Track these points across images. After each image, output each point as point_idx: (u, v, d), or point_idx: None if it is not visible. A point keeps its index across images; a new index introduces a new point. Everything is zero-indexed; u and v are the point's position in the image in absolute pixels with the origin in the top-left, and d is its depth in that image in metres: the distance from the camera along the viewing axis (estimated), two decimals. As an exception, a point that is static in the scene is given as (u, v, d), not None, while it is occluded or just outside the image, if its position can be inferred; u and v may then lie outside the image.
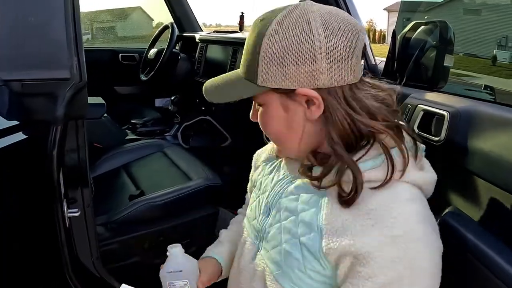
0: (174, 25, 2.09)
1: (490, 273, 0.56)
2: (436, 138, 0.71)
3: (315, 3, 0.52)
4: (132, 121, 2.21)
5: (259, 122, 0.58)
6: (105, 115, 1.75)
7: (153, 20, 3.20)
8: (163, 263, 0.69)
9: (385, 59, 1.06)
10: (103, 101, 1.68)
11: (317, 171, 0.54)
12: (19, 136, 0.86)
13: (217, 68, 1.90)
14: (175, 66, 2.10)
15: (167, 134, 2.15)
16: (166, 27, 2.16)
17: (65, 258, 1.00)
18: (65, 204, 0.94)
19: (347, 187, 0.50)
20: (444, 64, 0.88)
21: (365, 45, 0.53)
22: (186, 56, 2.16)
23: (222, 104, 1.22)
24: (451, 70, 0.94)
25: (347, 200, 0.50)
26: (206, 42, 2.07)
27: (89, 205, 1.04)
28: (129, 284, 0.92)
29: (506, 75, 1.45)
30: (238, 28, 2.23)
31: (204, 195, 1.37)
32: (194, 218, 1.36)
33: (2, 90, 0.85)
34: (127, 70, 2.36)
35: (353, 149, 0.52)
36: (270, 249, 0.58)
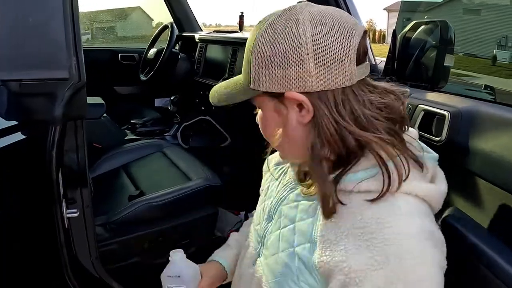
0: (174, 25, 2.09)
1: (491, 274, 0.56)
2: (437, 138, 0.71)
3: (312, 4, 0.50)
4: (132, 121, 2.21)
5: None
6: (105, 115, 1.75)
7: (153, 20, 3.20)
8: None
9: (385, 59, 1.06)
10: (103, 101, 1.68)
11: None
12: (18, 136, 0.86)
13: (216, 68, 1.90)
14: (174, 66, 2.10)
15: (166, 134, 2.15)
16: (165, 27, 2.16)
17: (64, 258, 1.00)
18: (64, 205, 0.94)
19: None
20: (445, 64, 0.88)
21: (365, 45, 0.51)
22: (186, 56, 2.16)
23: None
24: (451, 70, 0.94)
25: (323, 212, 0.49)
26: (206, 42, 2.06)
27: (88, 206, 1.03)
28: (129, 284, 0.92)
29: (506, 75, 1.45)
30: (238, 28, 2.23)
31: (204, 195, 1.37)
32: (194, 218, 1.36)
33: (0, 90, 0.85)
34: (127, 70, 2.36)
35: (344, 158, 0.49)
36: (268, 256, 0.58)
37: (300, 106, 0.49)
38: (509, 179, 0.58)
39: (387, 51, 1.02)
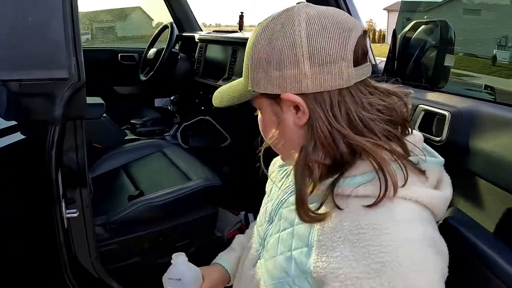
0: (174, 25, 2.09)
1: (491, 274, 0.56)
2: (437, 138, 0.71)
3: (311, 4, 0.50)
4: (132, 121, 2.21)
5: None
6: (105, 115, 1.75)
7: (152, 20, 3.20)
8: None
9: (385, 59, 1.06)
10: (103, 101, 1.68)
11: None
12: (17, 136, 0.86)
13: (216, 68, 1.89)
14: (174, 66, 2.10)
15: (166, 134, 2.15)
16: (165, 27, 2.16)
17: (64, 258, 0.99)
18: (63, 205, 0.94)
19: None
20: (445, 64, 0.88)
21: (365, 46, 0.50)
22: (186, 56, 2.16)
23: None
24: (451, 70, 0.94)
25: (298, 215, 0.49)
26: (206, 42, 2.06)
27: (88, 206, 1.03)
28: (129, 284, 0.92)
29: (506, 75, 1.45)
30: (237, 28, 2.23)
31: (204, 195, 1.37)
32: (194, 218, 1.36)
33: (0, 90, 0.85)
34: (127, 70, 2.36)
35: (339, 162, 0.48)
36: (268, 259, 0.57)
37: (297, 107, 0.49)
38: (509, 179, 0.58)
39: (387, 51, 1.02)
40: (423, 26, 0.95)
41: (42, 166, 0.90)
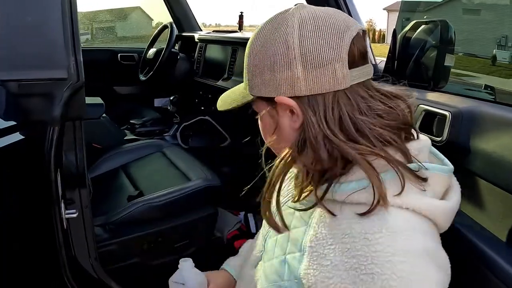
0: (173, 25, 2.09)
1: (491, 274, 0.56)
2: (438, 139, 0.70)
3: (307, 5, 0.49)
4: (131, 121, 2.21)
5: None
6: (104, 115, 1.75)
7: (152, 20, 3.20)
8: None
9: (385, 59, 1.05)
10: (102, 101, 1.68)
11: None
12: (16, 136, 0.86)
13: (216, 68, 1.89)
14: (174, 66, 2.10)
15: (166, 134, 2.15)
16: (165, 27, 2.16)
17: (63, 259, 0.99)
18: (62, 205, 0.94)
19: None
20: (445, 64, 0.87)
21: (362, 47, 0.48)
22: (185, 56, 2.16)
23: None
24: (451, 70, 0.94)
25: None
26: (205, 41, 2.06)
27: (87, 206, 1.03)
28: (128, 285, 0.92)
29: (506, 75, 1.45)
30: (237, 28, 2.22)
31: (203, 195, 1.36)
32: (193, 218, 1.35)
33: (-1, 90, 0.85)
34: (126, 70, 2.36)
35: (331, 167, 0.47)
36: (266, 261, 0.57)
37: (292, 111, 0.48)
38: (509, 179, 0.58)
39: (387, 51, 1.02)
40: (423, 26, 0.94)
41: (41, 166, 0.90)
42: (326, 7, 0.50)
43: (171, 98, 2.30)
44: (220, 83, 1.80)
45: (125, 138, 1.99)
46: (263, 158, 0.53)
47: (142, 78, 2.13)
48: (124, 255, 1.25)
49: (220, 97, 0.60)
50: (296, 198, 0.50)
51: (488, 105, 0.71)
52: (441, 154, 0.53)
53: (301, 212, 0.52)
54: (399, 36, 0.98)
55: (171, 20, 2.33)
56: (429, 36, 0.92)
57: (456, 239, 0.60)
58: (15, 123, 0.87)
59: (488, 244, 0.58)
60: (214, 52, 2.00)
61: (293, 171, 0.62)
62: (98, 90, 1.72)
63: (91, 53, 2.37)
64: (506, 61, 1.47)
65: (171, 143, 1.94)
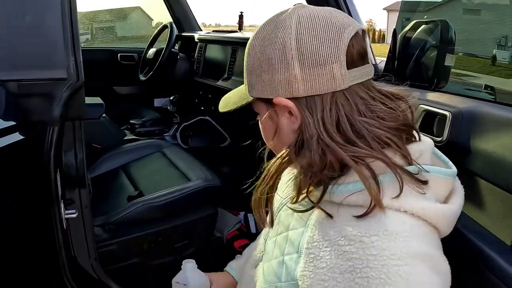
0: (173, 25, 2.09)
1: (491, 274, 0.56)
2: (438, 139, 0.70)
3: (306, 5, 0.49)
4: (131, 121, 2.21)
5: None
6: (104, 115, 1.75)
7: (152, 20, 3.20)
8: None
9: (385, 59, 1.05)
10: (102, 101, 1.67)
11: None
12: (16, 136, 0.86)
13: (216, 68, 1.89)
14: (174, 66, 2.09)
15: (166, 134, 2.15)
16: (165, 27, 2.15)
17: (63, 259, 0.99)
18: (62, 206, 0.94)
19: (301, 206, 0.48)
20: (445, 64, 0.87)
21: (361, 47, 0.47)
22: (185, 56, 2.16)
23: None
24: (451, 69, 0.94)
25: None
26: (205, 41, 2.06)
27: (87, 206, 1.03)
28: (128, 285, 0.92)
29: (506, 75, 1.45)
30: (237, 27, 2.22)
31: (203, 195, 1.36)
32: (193, 219, 1.35)
33: (-2, 90, 0.84)
34: (126, 70, 2.36)
35: (328, 169, 0.46)
36: (265, 262, 0.57)
37: (290, 112, 0.48)
38: (510, 179, 0.58)
39: (387, 51, 1.02)
40: (423, 26, 0.94)
41: (41, 166, 0.90)
42: (326, 7, 0.49)
43: (171, 98, 2.29)
44: (220, 83, 1.80)
45: (125, 138, 1.98)
46: (265, 159, 0.53)
47: (142, 78, 2.13)
48: (124, 255, 1.25)
49: (222, 98, 0.60)
50: (295, 199, 0.49)
51: (488, 105, 0.71)
52: (445, 157, 0.52)
53: (300, 213, 0.51)
54: (399, 36, 0.98)
55: (171, 20, 2.33)
56: (429, 36, 0.92)
57: (456, 239, 0.60)
58: (15, 123, 0.87)
59: (488, 244, 0.58)
60: (214, 52, 2.00)
61: (294, 172, 0.62)
62: (98, 90, 1.72)
63: (91, 53, 2.37)
64: (506, 61, 1.47)
65: (171, 143, 1.94)
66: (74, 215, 0.97)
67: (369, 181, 0.43)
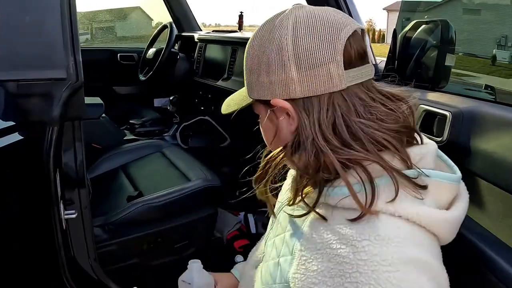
0: (173, 25, 2.09)
1: (491, 274, 0.56)
2: (438, 139, 0.70)
3: (304, 6, 0.49)
4: (131, 121, 2.21)
5: None
6: (104, 115, 1.74)
7: (152, 20, 3.19)
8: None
9: (385, 59, 1.05)
10: (101, 101, 1.67)
11: None
12: (15, 136, 0.86)
13: (216, 68, 1.89)
14: (174, 66, 2.09)
15: (165, 134, 2.15)
16: (165, 27, 2.15)
17: (62, 259, 0.99)
18: (61, 206, 0.93)
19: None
20: (446, 64, 0.87)
21: (360, 47, 0.47)
22: (185, 56, 2.16)
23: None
24: (452, 69, 0.94)
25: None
26: (205, 41, 2.06)
27: (87, 207, 1.03)
28: (127, 285, 0.92)
29: (506, 75, 1.45)
30: (237, 27, 2.22)
31: (203, 196, 1.36)
32: (193, 219, 1.35)
33: (-2, 91, 0.84)
34: (126, 70, 2.36)
35: (323, 171, 0.45)
36: (264, 262, 0.57)
37: (288, 113, 0.48)
38: (510, 179, 0.58)
39: (387, 51, 1.02)
40: (423, 26, 0.94)
41: (40, 167, 0.89)
42: (324, 7, 0.49)
43: (171, 98, 2.29)
44: (220, 83, 1.80)
45: (124, 138, 1.98)
46: (263, 158, 0.53)
47: (141, 78, 2.13)
48: (124, 255, 1.25)
49: (225, 100, 0.60)
50: (291, 201, 0.49)
51: (488, 105, 0.71)
52: (451, 162, 0.51)
53: (298, 213, 0.51)
54: (399, 36, 0.98)
55: (170, 20, 2.33)
56: (430, 36, 0.92)
57: (456, 239, 0.60)
58: (14, 123, 0.87)
59: (488, 245, 0.58)
60: (214, 52, 2.00)
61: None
62: (97, 90, 1.72)
63: (91, 53, 2.37)
64: (506, 61, 1.47)
65: (171, 143, 1.94)
66: (74, 216, 0.97)
67: (353, 188, 0.43)
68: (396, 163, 0.44)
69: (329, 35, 0.45)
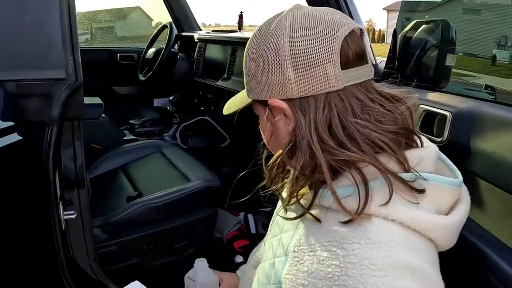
0: (173, 25, 2.09)
1: (491, 275, 0.56)
2: (438, 139, 0.70)
3: (303, 6, 0.49)
4: (131, 121, 2.20)
5: None
6: (103, 115, 1.74)
7: (152, 20, 3.19)
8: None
9: (385, 59, 1.05)
10: (101, 101, 1.67)
11: None
12: (14, 137, 0.85)
13: (216, 67, 1.89)
14: (173, 66, 2.09)
15: (165, 134, 2.14)
16: (164, 27, 2.15)
17: (62, 260, 0.99)
18: (61, 206, 0.93)
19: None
20: (446, 64, 0.87)
21: (358, 47, 0.46)
22: (185, 56, 2.16)
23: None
24: (452, 69, 0.93)
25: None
26: (205, 41, 2.06)
27: (86, 207, 1.02)
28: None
29: (506, 75, 1.45)
30: (237, 27, 2.22)
31: (203, 196, 1.36)
32: (193, 219, 1.35)
33: (-3, 91, 0.84)
34: (126, 70, 2.35)
35: (319, 172, 0.44)
36: (261, 263, 0.57)
37: (286, 113, 0.47)
38: (510, 180, 0.57)
39: (387, 51, 1.01)
40: (424, 26, 0.94)
41: (40, 167, 0.89)
42: (323, 8, 0.49)
43: (171, 98, 2.29)
44: (219, 83, 1.79)
45: (124, 138, 1.98)
46: (264, 161, 0.53)
47: (141, 78, 2.13)
48: (123, 256, 1.25)
49: (227, 102, 0.60)
50: (286, 202, 0.49)
51: (488, 105, 0.71)
52: (453, 165, 0.50)
53: (294, 215, 0.51)
54: (399, 36, 0.98)
55: (170, 20, 2.33)
56: (430, 35, 0.92)
57: (458, 241, 0.60)
58: (13, 123, 0.87)
59: (489, 246, 0.58)
60: (213, 52, 1.99)
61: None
62: (97, 90, 1.72)
63: (91, 53, 2.36)
64: (506, 61, 1.47)
65: (171, 143, 1.94)
66: (73, 216, 0.97)
67: (337, 194, 0.42)
68: (392, 165, 0.43)
69: (326, 35, 0.44)
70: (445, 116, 0.70)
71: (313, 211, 0.46)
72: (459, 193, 0.48)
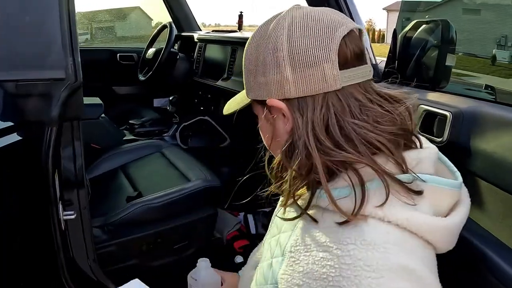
0: (173, 25, 2.09)
1: (491, 275, 0.56)
2: (439, 139, 0.70)
3: (301, 6, 0.49)
4: (130, 121, 2.20)
5: None
6: (103, 115, 1.74)
7: (152, 20, 3.19)
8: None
9: (385, 59, 1.05)
10: (101, 102, 1.67)
11: None
12: (14, 137, 0.85)
13: (215, 68, 1.89)
14: (173, 66, 2.09)
15: (165, 134, 2.14)
16: (164, 27, 2.15)
17: (61, 260, 0.99)
18: (60, 207, 0.93)
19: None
20: (446, 64, 0.87)
21: (357, 47, 0.46)
22: (185, 56, 2.16)
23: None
24: (452, 69, 0.93)
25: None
26: (205, 41, 2.06)
27: (86, 207, 1.02)
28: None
29: (506, 75, 1.45)
30: (237, 27, 2.22)
31: (203, 196, 1.36)
32: (193, 219, 1.35)
33: (-4, 91, 0.84)
34: (125, 70, 2.35)
35: (315, 174, 0.44)
36: (260, 263, 0.57)
37: (284, 113, 0.47)
38: (510, 180, 0.57)
39: (387, 51, 1.01)
40: (424, 26, 0.94)
41: (39, 167, 0.89)
42: (322, 8, 0.49)
43: (171, 98, 2.29)
44: (219, 83, 1.79)
45: (124, 138, 1.98)
46: (266, 162, 0.53)
47: (141, 78, 2.13)
48: (123, 256, 1.24)
49: (228, 102, 0.60)
50: (283, 202, 0.49)
51: (488, 105, 0.71)
52: (454, 167, 0.50)
53: (292, 215, 0.50)
54: (399, 36, 0.98)
55: (170, 20, 2.33)
56: (430, 35, 0.92)
57: (457, 241, 0.60)
58: (13, 123, 0.87)
59: (489, 246, 0.58)
60: (213, 52, 1.99)
61: None
62: (97, 90, 1.72)
63: (90, 53, 2.36)
64: (506, 61, 1.47)
65: (171, 143, 1.94)
66: (73, 216, 0.97)
67: (331, 195, 0.42)
68: (389, 166, 0.43)
69: (323, 35, 0.44)
70: (445, 116, 0.70)
71: (310, 212, 0.46)
72: (459, 195, 0.47)
